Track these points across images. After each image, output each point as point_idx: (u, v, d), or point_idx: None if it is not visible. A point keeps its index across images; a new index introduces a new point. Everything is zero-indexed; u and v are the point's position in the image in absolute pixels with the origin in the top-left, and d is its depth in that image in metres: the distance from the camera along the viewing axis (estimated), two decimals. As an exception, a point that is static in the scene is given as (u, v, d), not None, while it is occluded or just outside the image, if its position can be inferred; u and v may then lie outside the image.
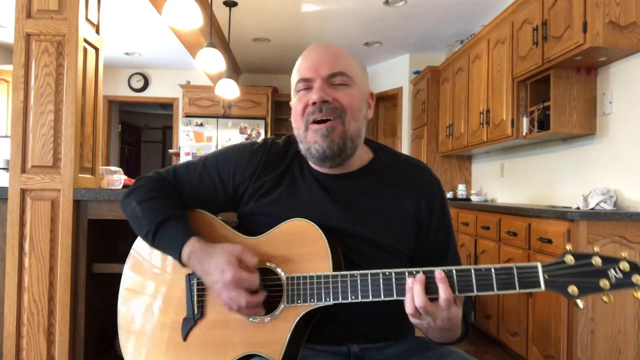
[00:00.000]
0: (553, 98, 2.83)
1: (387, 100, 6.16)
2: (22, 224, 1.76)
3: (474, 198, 4.37)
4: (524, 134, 3.24)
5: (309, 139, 1.01)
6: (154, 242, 1.05)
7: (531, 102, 3.19)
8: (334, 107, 1.00)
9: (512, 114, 3.32)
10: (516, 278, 0.85)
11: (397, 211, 1.05)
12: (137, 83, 6.87)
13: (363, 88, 1.07)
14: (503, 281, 0.85)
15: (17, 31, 1.77)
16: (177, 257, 1.01)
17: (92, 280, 1.83)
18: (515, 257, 2.70)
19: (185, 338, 1.04)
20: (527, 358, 2.57)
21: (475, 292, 0.86)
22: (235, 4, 4.24)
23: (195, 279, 1.05)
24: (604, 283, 0.82)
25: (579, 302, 0.84)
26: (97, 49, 1.98)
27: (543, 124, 3.02)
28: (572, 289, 0.83)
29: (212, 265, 0.96)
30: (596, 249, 0.86)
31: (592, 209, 2.45)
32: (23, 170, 1.76)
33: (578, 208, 2.51)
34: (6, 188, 1.76)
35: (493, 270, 0.86)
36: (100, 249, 1.89)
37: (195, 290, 1.05)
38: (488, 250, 3.10)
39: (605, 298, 0.83)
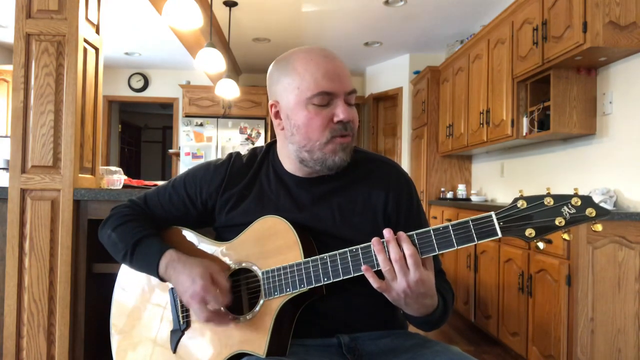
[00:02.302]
0: (553, 98, 2.83)
1: (387, 100, 6.16)
2: (22, 224, 1.76)
3: (474, 198, 4.37)
4: (524, 134, 3.24)
5: (329, 150, 1.02)
6: (132, 262, 1.10)
7: (531, 102, 3.19)
8: (351, 127, 1.03)
9: (512, 114, 3.32)
10: (473, 231, 0.87)
11: (364, 207, 1.08)
12: (137, 83, 6.87)
13: None
14: (461, 236, 0.88)
15: (17, 31, 1.77)
16: (155, 271, 1.05)
17: (92, 280, 1.83)
18: (516, 257, 2.70)
19: (174, 350, 1.07)
20: (527, 358, 2.57)
21: (437, 251, 0.89)
22: (235, 4, 4.24)
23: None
24: (559, 221, 0.84)
25: (539, 244, 0.86)
26: (97, 49, 1.98)
27: (543, 124, 3.02)
28: (529, 232, 0.85)
29: (185, 275, 1.00)
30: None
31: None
32: (23, 170, 1.76)
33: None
34: (6, 188, 1.76)
35: (450, 227, 0.88)
36: (100, 249, 1.87)
37: (179, 303, 1.09)
38: (488, 250, 3.10)
39: (565, 236, 0.86)
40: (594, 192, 2.60)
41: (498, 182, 4.28)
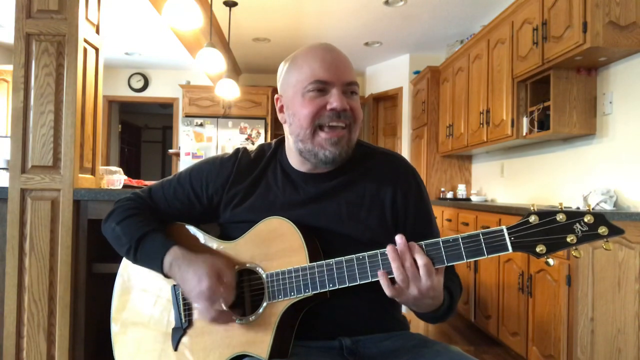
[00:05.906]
0: (553, 98, 2.83)
1: (387, 100, 6.16)
2: (22, 224, 1.76)
3: (474, 198, 4.37)
4: (524, 134, 3.24)
5: (316, 144, 1.02)
6: (136, 257, 1.08)
7: (531, 102, 3.19)
8: (348, 116, 1.02)
9: (512, 114, 3.32)
10: (483, 244, 0.86)
11: (372, 204, 1.07)
12: (137, 83, 6.87)
13: None
14: (471, 249, 0.87)
15: (17, 31, 1.77)
16: (159, 267, 1.04)
17: (92, 280, 1.83)
18: (515, 257, 2.70)
19: (176, 348, 1.06)
20: (527, 358, 2.57)
21: (446, 263, 0.88)
22: (235, 4, 4.24)
23: (180, 289, 1.07)
24: (570, 238, 0.83)
25: (550, 261, 0.85)
26: (97, 49, 1.98)
27: (543, 124, 3.02)
28: (540, 248, 0.84)
29: (191, 273, 0.99)
30: (560, 208, 0.87)
31: (592, 209, 2.45)
32: (23, 170, 1.76)
33: (578, 208, 2.51)
34: (6, 188, 1.76)
35: (460, 239, 0.87)
36: (100, 249, 1.89)
37: (181, 300, 1.08)
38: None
39: (574, 253, 0.84)
40: (594, 192, 2.60)
41: (498, 182, 4.28)
